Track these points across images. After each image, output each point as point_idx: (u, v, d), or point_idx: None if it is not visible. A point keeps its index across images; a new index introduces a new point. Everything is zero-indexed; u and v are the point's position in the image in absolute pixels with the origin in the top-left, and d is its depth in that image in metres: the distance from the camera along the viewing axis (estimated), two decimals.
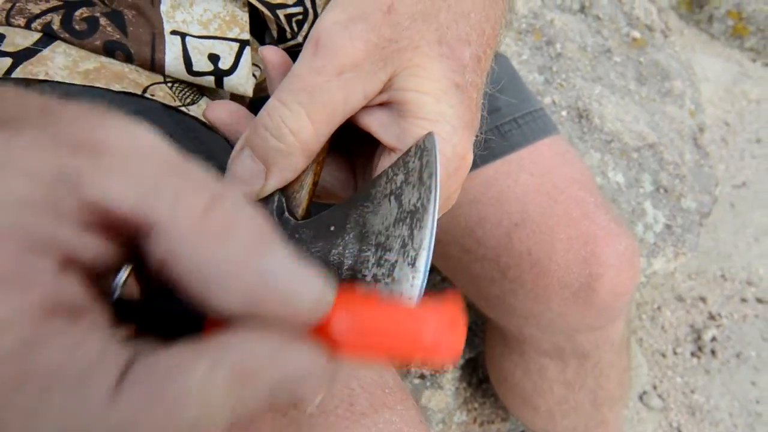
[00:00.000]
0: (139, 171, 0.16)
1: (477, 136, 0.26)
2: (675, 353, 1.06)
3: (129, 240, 0.16)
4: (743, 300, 1.13)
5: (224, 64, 0.39)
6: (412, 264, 0.22)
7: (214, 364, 0.14)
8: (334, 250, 0.23)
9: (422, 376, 0.76)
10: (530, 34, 0.96)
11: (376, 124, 0.25)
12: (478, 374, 0.85)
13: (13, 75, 0.33)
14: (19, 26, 0.34)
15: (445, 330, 0.17)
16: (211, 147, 0.37)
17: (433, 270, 0.75)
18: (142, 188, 0.15)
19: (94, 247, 0.15)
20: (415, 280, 0.21)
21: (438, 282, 0.78)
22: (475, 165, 0.50)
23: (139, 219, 0.15)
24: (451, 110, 0.24)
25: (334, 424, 0.25)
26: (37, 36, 0.34)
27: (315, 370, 0.16)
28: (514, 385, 0.67)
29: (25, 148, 0.15)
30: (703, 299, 1.12)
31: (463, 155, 0.25)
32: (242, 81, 0.39)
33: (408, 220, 0.22)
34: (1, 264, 0.14)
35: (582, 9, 1.03)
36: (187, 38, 0.38)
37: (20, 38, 0.34)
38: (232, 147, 0.29)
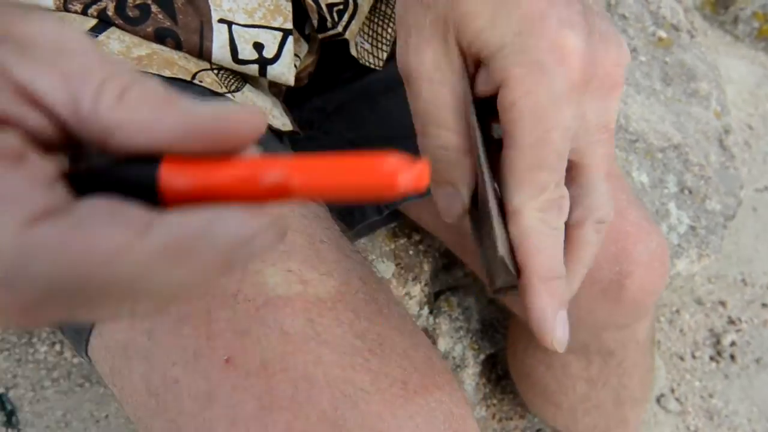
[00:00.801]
0: (66, 62, 0.17)
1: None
2: (694, 357, 1.06)
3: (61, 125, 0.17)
4: (764, 305, 1.11)
5: (268, 52, 0.39)
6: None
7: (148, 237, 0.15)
8: None
9: None
10: None
11: (478, 89, 0.27)
12: (498, 371, 0.86)
13: None
14: (76, 12, 0.35)
15: (405, 163, 0.16)
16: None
17: (457, 264, 0.76)
18: (68, 78, 0.17)
19: (31, 117, 0.17)
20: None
21: (461, 277, 0.78)
22: None
23: (68, 109, 0.17)
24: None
25: (389, 402, 0.26)
26: (93, 22, 0.35)
27: (259, 229, 0.16)
28: (537, 381, 0.67)
29: None
30: (722, 303, 1.11)
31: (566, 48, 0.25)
32: (284, 70, 0.40)
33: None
34: None
35: (608, 7, 1.02)
36: (234, 27, 0.38)
37: (77, 24, 0.35)
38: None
